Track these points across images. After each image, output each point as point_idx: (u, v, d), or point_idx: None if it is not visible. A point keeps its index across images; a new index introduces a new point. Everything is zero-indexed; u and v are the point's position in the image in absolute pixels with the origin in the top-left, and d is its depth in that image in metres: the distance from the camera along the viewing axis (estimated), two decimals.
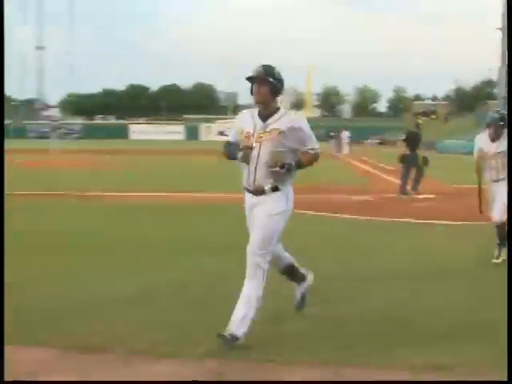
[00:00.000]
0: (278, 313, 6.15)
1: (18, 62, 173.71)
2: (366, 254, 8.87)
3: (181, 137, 70.16)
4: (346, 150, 44.88)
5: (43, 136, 48.60)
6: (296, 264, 5.86)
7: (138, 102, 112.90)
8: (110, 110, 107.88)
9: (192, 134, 72.73)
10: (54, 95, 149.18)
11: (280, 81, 5.43)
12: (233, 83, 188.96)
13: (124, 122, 77.27)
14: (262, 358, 4.96)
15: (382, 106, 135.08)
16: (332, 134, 48.56)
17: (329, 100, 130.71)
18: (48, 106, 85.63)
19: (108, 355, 4.89)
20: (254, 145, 5.34)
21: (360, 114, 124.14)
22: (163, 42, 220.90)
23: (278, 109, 5.45)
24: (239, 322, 5.17)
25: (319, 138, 5.65)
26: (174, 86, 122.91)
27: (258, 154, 5.33)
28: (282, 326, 5.84)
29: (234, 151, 5.45)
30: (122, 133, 74.69)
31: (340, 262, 8.33)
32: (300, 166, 5.41)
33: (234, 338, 5.06)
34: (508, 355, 4.16)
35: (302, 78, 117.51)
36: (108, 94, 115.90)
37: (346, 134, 46.98)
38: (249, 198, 5.47)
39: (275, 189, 5.33)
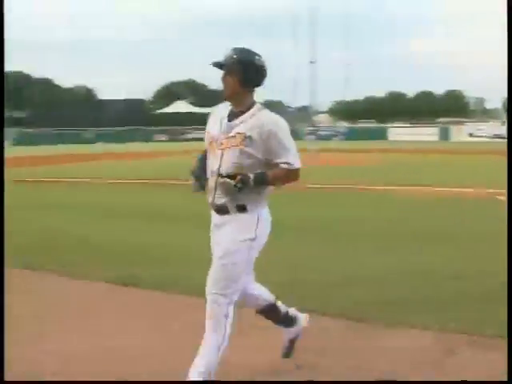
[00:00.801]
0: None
1: (293, 74, 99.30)
2: None
3: (435, 138, 72.90)
4: None
5: (320, 138, 54.93)
6: (279, 303, 4.20)
7: (395, 107, 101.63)
8: (372, 114, 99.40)
9: (444, 135, 70.27)
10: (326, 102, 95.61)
11: (255, 69, 3.72)
12: (481, 88, 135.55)
13: (383, 126, 71.22)
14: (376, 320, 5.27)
15: None
16: None
17: None
18: (319, 112, 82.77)
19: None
20: (216, 153, 3.73)
21: None
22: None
23: (253, 105, 3.76)
24: (198, 373, 3.76)
25: None
26: (429, 93, 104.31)
27: (219, 166, 3.69)
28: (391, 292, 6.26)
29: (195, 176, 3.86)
30: (381, 135, 67.34)
31: None
32: (264, 181, 3.63)
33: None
34: (508, 355, 3.71)
35: None
36: (369, 100, 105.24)
37: None
38: (213, 216, 3.85)
39: (241, 208, 3.68)
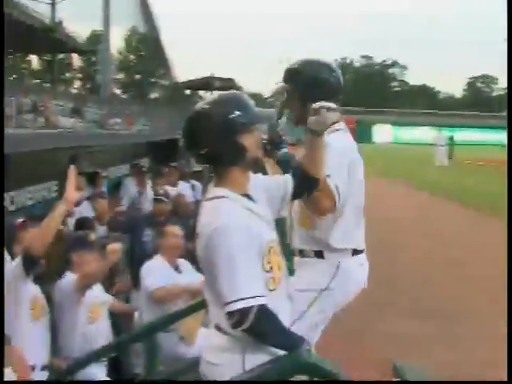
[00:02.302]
0: None
1: None
2: None
3: None
4: None
5: None
6: None
7: None
8: None
9: None
10: None
11: (315, 83, 2.88)
12: None
13: None
14: None
15: None
16: None
17: None
18: None
19: None
20: None
21: None
22: None
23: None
24: None
25: None
26: None
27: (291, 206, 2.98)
28: None
29: None
30: None
31: None
32: (290, 164, 2.78)
33: None
34: (508, 355, 3.38)
35: None
36: None
37: None
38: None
39: (319, 255, 2.96)
